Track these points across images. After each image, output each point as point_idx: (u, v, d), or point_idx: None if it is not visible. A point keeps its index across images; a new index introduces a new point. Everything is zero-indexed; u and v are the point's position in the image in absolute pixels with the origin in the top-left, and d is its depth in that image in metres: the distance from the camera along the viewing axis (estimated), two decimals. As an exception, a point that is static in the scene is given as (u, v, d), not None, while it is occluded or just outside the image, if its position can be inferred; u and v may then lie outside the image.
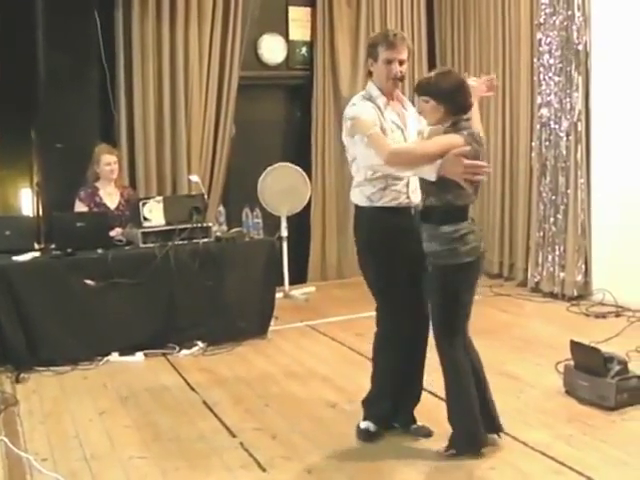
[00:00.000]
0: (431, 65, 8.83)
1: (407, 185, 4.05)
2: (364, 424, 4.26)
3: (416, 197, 4.07)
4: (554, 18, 7.23)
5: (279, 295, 7.02)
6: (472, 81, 4.19)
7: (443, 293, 3.94)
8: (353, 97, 4.19)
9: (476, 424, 3.97)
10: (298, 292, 7.78)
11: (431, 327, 4.06)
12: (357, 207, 4.18)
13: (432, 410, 4.44)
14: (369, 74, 4.18)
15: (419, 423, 4.31)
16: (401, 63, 4.04)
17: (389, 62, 4.02)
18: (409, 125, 4.15)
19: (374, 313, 4.32)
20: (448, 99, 3.82)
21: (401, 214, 4.06)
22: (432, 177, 3.78)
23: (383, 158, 3.81)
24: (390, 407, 4.26)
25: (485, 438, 4.02)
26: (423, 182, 3.90)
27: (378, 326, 4.27)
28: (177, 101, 7.55)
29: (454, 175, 3.74)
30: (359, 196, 4.12)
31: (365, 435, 4.23)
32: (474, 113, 4.12)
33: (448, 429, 4.07)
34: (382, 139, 3.85)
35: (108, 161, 6.44)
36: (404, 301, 4.12)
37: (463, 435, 4.00)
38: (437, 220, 3.86)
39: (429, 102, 3.86)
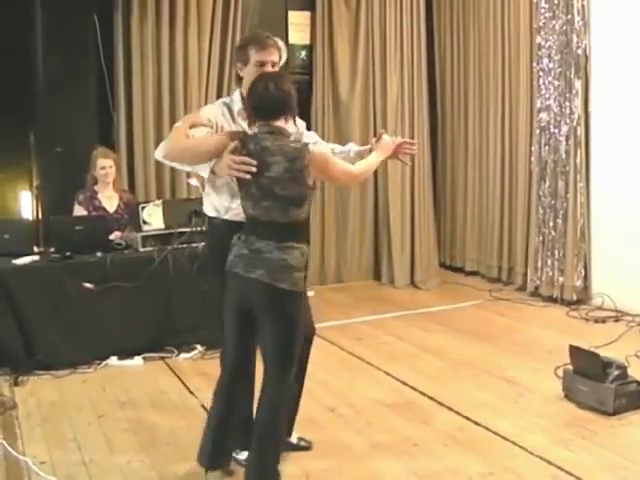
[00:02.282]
0: (430, 70, 8.84)
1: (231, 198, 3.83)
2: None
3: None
4: (554, 22, 7.24)
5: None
6: (386, 136, 4.01)
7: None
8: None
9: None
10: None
11: None
12: (207, 217, 4.01)
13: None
14: (238, 79, 3.96)
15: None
16: (273, 66, 3.83)
17: (261, 64, 3.80)
18: None
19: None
20: (251, 100, 3.59)
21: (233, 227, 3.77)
22: (205, 174, 3.67)
23: (167, 150, 3.69)
24: None
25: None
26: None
27: None
28: (176, 105, 7.54)
29: (222, 172, 3.55)
30: (207, 206, 3.97)
31: None
32: (369, 160, 3.86)
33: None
34: (182, 133, 3.67)
35: (103, 165, 6.43)
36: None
37: None
38: None
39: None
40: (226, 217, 3.84)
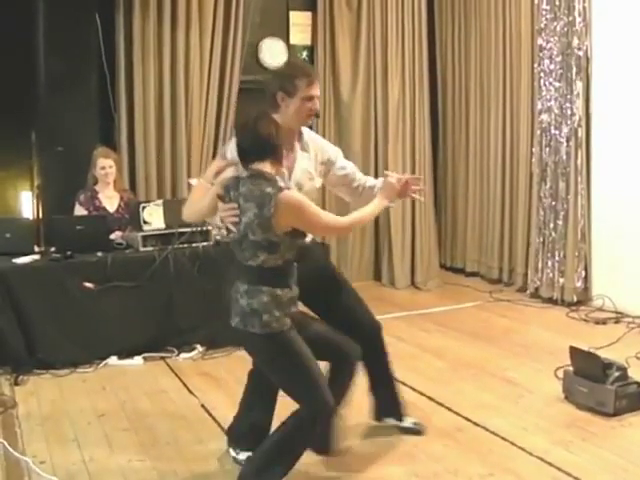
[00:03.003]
0: (432, 72, 8.84)
1: None
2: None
3: None
4: (555, 24, 7.24)
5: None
6: (391, 177, 3.89)
7: None
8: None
9: None
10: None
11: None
12: None
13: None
14: (272, 106, 3.85)
15: None
16: (318, 99, 3.88)
17: (310, 99, 3.80)
18: (297, 169, 3.92)
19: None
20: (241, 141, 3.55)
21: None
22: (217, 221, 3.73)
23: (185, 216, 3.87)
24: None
25: None
26: None
27: None
28: (177, 105, 7.55)
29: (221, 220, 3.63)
30: None
31: None
32: (367, 209, 3.75)
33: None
34: (195, 192, 3.84)
35: (103, 165, 6.44)
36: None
37: None
38: None
39: None
40: None
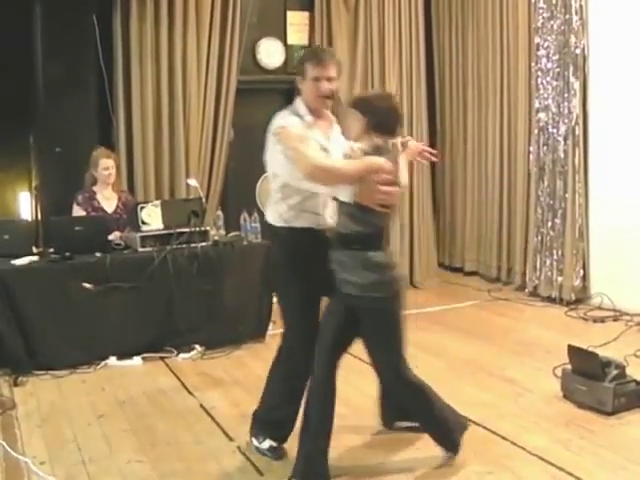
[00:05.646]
0: (429, 71, 8.85)
1: (323, 207, 3.95)
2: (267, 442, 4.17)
3: (331, 220, 3.96)
4: (552, 22, 7.25)
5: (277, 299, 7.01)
6: (412, 142, 4.18)
7: (383, 326, 3.92)
8: (279, 113, 4.00)
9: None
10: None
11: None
12: (271, 226, 4.06)
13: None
14: (297, 91, 4.05)
15: None
16: (329, 81, 3.91)
17: (317, 80, 3.90)
18: (334, 147, 4.02)
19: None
20: (376, 114, 3.72)
21: (315, 236, 3.94)
22: (347, 198, 3.69)
23: (305, 171, 3.67)
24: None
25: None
26: (342, 206, 3.76)
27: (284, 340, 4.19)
28: (175, 105, 7.55)
29: (369, 201, 3.65)
30: (273, 215, 4.02)
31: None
32: (402, 165, 3.92)
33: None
34: (306, 152, 3.70)
35: (106, 165, 6.43)
36: (314, 320, 4.03)
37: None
38: (355, 246, 3.74)
39: (357, 115, 3.77)
40: (292, 225, 3.94)
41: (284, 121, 3.89)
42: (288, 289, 4.04)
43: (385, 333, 3.91)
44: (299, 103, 3.99)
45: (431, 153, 4.38)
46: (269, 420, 4.17)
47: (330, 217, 3.95)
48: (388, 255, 3.81)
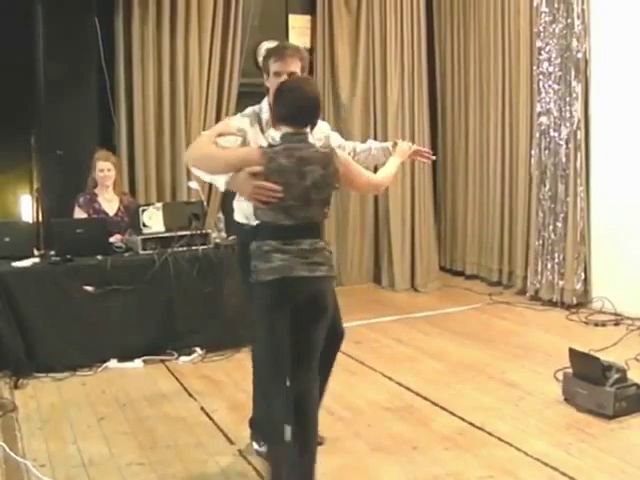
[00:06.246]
0: (431, 75, 8.85)
1: None
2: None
3: None
4: (554, 26, 7.25)
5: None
6: (402, 143, 4.18)
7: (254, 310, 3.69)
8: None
9: None
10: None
11: None
12: (235, 223, 4.11)
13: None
14: (266, 90, 3.97)
15: None
16: (290, 75, 3.83)
17: (278, 75, 3.85)
18: None
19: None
20: (281, 105, 3.53)
21: None
22: (221, 187, 3.67)
23: (189, 156, 3.71)
24: None
25: None
26: None
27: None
28: (177, 107, 7.55)
29: (242, 193, 3.61)
30: (237, 213, 4.06)
31: None
32: (388, 167, 3.92)
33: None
34: (208, 141, 3.62)
35: (101, 167, 6.44)
36: None
37: None
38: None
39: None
40: (254, 224, 3.81)
41: (234, 117, 3.95)
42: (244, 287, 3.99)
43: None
44: (264, 101, 3.97)
45: (427, 152, 4.38)
46: (261, 422, 4.14)
47: None
48: (274, 246, 3.51)
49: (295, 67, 3.88)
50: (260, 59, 8.11)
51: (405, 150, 4.11)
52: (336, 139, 4.25)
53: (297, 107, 3.51)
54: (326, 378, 4.04)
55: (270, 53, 3.97)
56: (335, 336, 3.98)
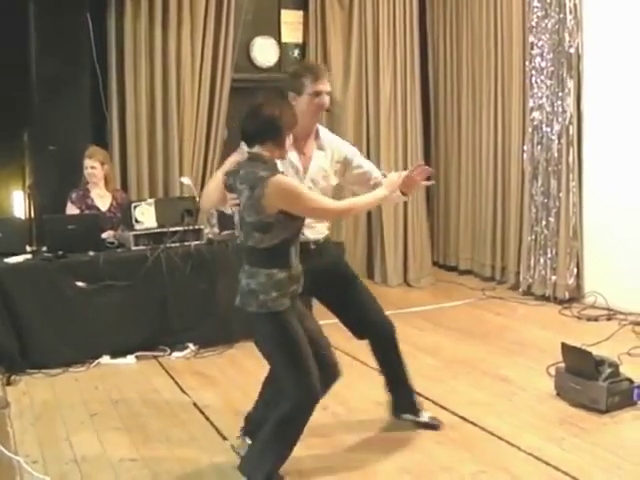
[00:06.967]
0: (424, 69, 8.85)
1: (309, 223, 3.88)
2: None
3: (312, 233, 4.01)
4: (546, 21, 7.25)
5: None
6: (392, 174, 4.00)
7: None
8: None
9: None
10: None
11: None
12: None
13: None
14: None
15: None
16: (328, 94, 3.95)
17: (318, 94, 3.91)
18: (312, 166, 4.00)
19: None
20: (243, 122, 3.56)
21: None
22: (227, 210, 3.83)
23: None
24: None
25: None
26: None
27: None
28: (169, 103, 7.54)
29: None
30: None
31: None
32: (367, 195, 3.82)
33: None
34: (215, 179, 3.85)
35: (86, 165, 6.43)
36: None
37: None
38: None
39: None
40: None
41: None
42: None
43: None
44: None
45: (420, 166, 4.21)
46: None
47: (309, 230, 3.93)
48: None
49: (329, 86, 3.98)
50: (254, 55, 8.15)
51: (394, 181, 3.91)
52: (356, 160, 4.22)
53: (241, 124, 3.57)
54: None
55: (303, 72, 3.98)
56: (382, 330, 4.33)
